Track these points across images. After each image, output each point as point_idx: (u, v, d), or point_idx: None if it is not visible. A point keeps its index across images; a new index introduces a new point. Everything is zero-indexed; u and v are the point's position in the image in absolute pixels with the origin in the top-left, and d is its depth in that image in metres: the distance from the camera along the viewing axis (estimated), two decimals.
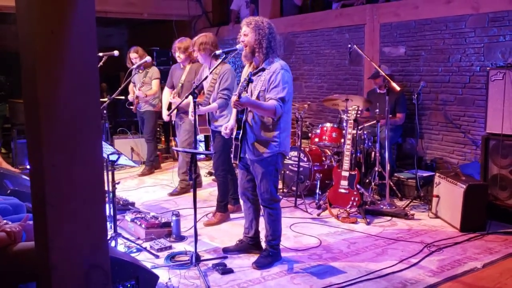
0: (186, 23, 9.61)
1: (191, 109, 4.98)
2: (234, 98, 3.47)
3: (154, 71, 6.99)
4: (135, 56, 6.76)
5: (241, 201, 4.20)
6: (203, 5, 9.56)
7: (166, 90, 6.00)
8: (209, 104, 4.72)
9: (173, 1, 9.25)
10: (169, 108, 5.86)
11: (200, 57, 4.84)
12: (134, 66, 6.11)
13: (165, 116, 5.90)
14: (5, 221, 2.85)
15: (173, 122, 6.02)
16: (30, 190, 4.24)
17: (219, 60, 4.12)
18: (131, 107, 6.97)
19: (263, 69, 3.71)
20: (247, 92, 3.68)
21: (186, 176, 5.98)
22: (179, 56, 5.69)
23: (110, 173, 4.09)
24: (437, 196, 4.99)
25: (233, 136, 3.85)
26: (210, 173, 7.05)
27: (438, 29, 5.85)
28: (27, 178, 4.90)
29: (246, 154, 3.82)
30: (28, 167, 6.89)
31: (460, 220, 4.58)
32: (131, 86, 7.03)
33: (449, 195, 4.79)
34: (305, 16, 7.83)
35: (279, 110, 3.61)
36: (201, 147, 8.33)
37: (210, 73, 4.42)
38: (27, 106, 2.20)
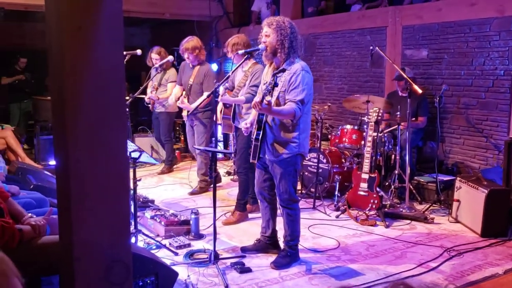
0: (207, 24, 9.66)
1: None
2: (257, 99, 3.46)
3: (172, 73, 6.93)
4: (156, 58, 6.78)
5: (258, 201, 4.21)
6: (224, 6, 9.60)
7: (177, 87, 6.19)
8: None
9: (194, 2, 9.31)
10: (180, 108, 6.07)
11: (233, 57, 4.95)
12: (157, 65, 6.17)
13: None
14: (30, 214, 2.91)
15: (185, 119, 6.08)
16: (52, 185, 4.33)
17: (243, 59, 4.22)
18: (149, 105, 7.03)
19: (283, 70, 3.70)
20: (271, 96, 3.63)
21: (206, 176, 6.02)
22: (188, 57, 5.82)
23: (131, 170, 4.14)
24: (458, 201, 4.93)
25: (253, 137, 3.85)
26: (228, 173, 7.07)
27: (462, 32, 5.78)
28: (49, 173, 4.99)
29: (265, 155, 3.82)
30: (50, 163, 7.02)
31: (481, 225, 4.52)
32: (149, 84, 7.09)
33: (470, 199, 4.73)
34: (326, 18, 7.79)
35: (298, 112, 3.60)
36: (220, 147, 8.35)
37: (233, 72, 4.47)
38: (54, 102, 2.23)
